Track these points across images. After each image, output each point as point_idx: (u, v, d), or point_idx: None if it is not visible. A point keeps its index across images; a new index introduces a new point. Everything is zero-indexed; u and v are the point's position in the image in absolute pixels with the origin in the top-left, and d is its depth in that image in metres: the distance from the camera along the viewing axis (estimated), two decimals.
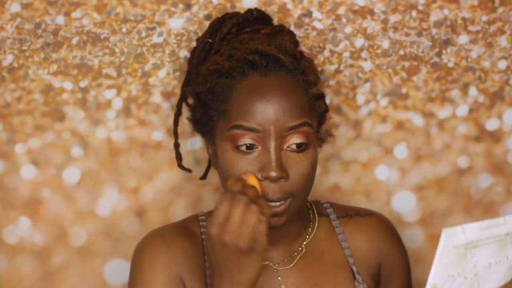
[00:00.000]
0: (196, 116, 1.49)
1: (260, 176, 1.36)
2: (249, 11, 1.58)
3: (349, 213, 1.53)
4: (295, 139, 1.38)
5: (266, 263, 1.46)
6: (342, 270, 1.47)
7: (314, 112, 1.42)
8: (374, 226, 1.53)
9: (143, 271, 1.43)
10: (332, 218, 1.51)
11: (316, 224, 1.50)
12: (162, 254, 1.44)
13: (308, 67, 1.43)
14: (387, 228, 1.55)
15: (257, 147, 1.37)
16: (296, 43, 1.57)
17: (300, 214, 1.46)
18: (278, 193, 1.37)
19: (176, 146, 1.60)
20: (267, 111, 1.37)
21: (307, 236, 1.48)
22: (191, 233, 1.48)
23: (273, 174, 1.35)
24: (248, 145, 1.37)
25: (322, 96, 1.45)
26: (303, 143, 1.38)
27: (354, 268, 1.47)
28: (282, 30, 1.56)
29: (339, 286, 1.45)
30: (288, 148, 1.38)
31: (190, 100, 1.55)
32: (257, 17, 1.58)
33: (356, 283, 1.45)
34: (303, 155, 1.38)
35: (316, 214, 1.51)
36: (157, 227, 1.53)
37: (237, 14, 1.58)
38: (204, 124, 1.46)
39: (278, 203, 1.37)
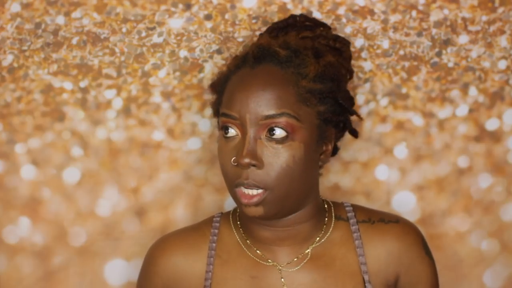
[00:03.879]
0: (212, 110, 1.54)
1: (232, 161, 1.39)
2: (292, 16, 1.60)
3: (372, 219, 1.50)
4: (271, 125, 1.38)
5: (272, 263, 1.45)
6: (352, 277, 1.44)
7: (304, 105, 1.40)
8: (395, 234, 1.48)
9: (142, 277, 1.53)
10: (351, 222, 1.48)
11: (331, 228, 1.47)
12: (160, 263, 1.50)
13: (307, 62, 1.43)
14: (410, 238, 1.50)
15: (237, 134, 1.40)
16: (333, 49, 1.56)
17: (310, 215, 1.44)
18: (249, 178, 1.37)
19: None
20: (245, 99, 1.39)
21: (317, 239, 1.47)
22: (200, 236, 1.51)
23: (242, 160, 1.36)
24: (230, 130, 1.40)
25: (314, 91, 1.42)
26: (281, 132, 1.37)
27: (365, 277, 1.44)
28: (325, 35, 1.56)
29: None
30: (267, 138, 1.38)
31: None
32: (301, 22, 1.59)
33: None
34: (282, 146, 1.38)
35: (333, 217, 1.49)
36: (171, 231, 1.57)
37: (282, 20, 1.61)
38: (217, 116, 1.51)
39: (251, 193, 1.38)
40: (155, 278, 1.50)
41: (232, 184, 1.40)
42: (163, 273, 1.50)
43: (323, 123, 1.43)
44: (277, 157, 1.38)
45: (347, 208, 1.50)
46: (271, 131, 1.38)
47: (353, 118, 1.56)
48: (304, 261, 1.45)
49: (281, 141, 1.38)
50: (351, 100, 1.52)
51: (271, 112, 1.37)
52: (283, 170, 1.38)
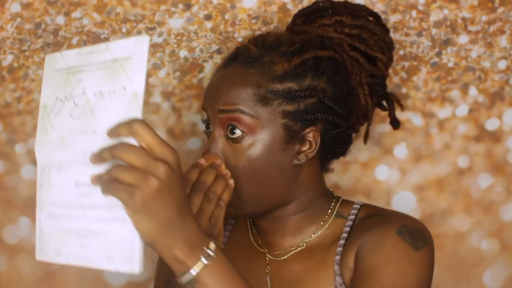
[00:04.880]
0: None
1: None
2: (316, 2, 1.56)
3: (370, 214, 1.43)
4: (227, 124, 1.37)
5: (263, 250, 1.46)
6: (326, 269, 1.41)
7: (264, 105, 1.37)
8: (373, 224, 1.39)
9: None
10: (349, 219, 1.44)
11: (328, 224, 1.46)
12: None
13: (277, 62, 1.39)
14: (386, 224, 1.38)
15: (211, 129, 1.41)
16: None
17: (299, 209, 1.43)
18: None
19: None
20: (208, 95, 1.40)
21: (313, 235, 1.46)
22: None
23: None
24: (206, 125, 1.42)
25: (278, 91, 1.38)
26: (235, 130, 1.36)
27: (336, 268, 1.39)
28: (341, 23, 1.51)
29: (317, 285, 1.41)
30: (225, 136, 1.38)
31: None
32: (325, 8, 1.55)
33: (333, 286, 1.39)
34: (236, 145, 1.37)
35: (333, 215, 1.46)
36: None
37: (306, 7, 1.57)
38: None
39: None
40: (162, 272, 1.53)
41: None
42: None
43: (293, 122, 1.39)
44: (232, 157, 1.37)
45: (354, 206, 1.46)
46: (228, 129, 1.37)
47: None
48: (291, 253, 1.45)
49: (237, 140, 1.36)
50: (346, 99, 1.45)
51: (225, 107, 1.37)
52: (238, 170, 1.37)
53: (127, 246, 1.10)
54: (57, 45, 1.69)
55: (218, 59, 1.70)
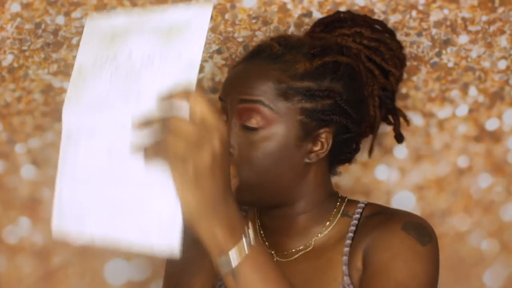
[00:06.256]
0: None
1: None
2: (337, 13, 1.62)
3: (376, 212, 1.43)
4: (247, 114, 1.38)
5: (270, 251, 1.46)
6: (333, 269, 1.41)
7: (284, 100, 1.39)
8: (378, 222, 1.40)
9: None
10: (354, 218, 1.44)
11: (334, 224, 1.46)
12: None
13: (299, 60, 1.42)
14: (390, 221, 1.39)
15: (226, 120, 1.41)
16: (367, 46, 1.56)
17: (305, 209, 1.43)
18: None
19: None
20: (229, 84, 1.42)
21: (319, 234, 1.46)
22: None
23: None
24: (223, 115, 1.41)
25: (298, 89, 1.40)
26: (254, 120, 1.37)
27: (344, 268, 1.39)
28: (361, 35, 1.57)
29: (325, 286, 1.40)
30: (241, 126, 1.38)
31: None
32: (345, 19, 1.61)
33: (341, 286, 1.39)
34: (253, 136, 1.38)
35: (339, 214, 1.47)
36: None
37: (327, 17, 1.62)
38: None
39: None
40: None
41: None
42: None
43: (309, 120, 1.41)
44: (246, 147, 1.38)
45: (359, 205, 1.46)
46: (246, 120, 1.38)
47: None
48: (299, 253, 1.45)
49: (253, 130, 1.38)
50: (359, 106, 1.48)
51: (247, 97, 1.38)
52: (249, 161, 1.38)
53: (166, 222, 1.03)
54: (57, 45, 1.69)
55: (218, 59, 1.70)
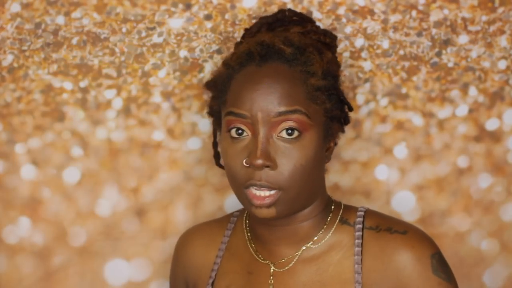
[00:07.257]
0: (208, 109, 1.51)
1: (245, 163, 1.36)
2: (281, 11, 1.58)
3: (380, 226, 1.42)
4: (284, 125, 1.36)
5: (266, 261, 1.44)
6: (343, 286, 1.39)
7: (313, 103, 1.38)
8: (398, 246, 1.38)
9: (171, 264, 1.60)
10: (357, 228, 1.42)
11: (332, 231, 1.44)
12: (181, 252, 1.57)
13: (312, 59, 1.42)
14: (414, 252, 1.38)
15: (247, 134, 1.37)
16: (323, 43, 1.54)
17: (311, 214, 1.42)
18: (262, 180, 1.35)
19: (215, 145, 1.57)
20: (256, 97, 1.36)
21: (315, 238, 1.43)
22: (219, 229, 1.54)
23: (256, 161, 1.33)
24: (238, 131, 1.37)
25: (322, 88, 1.40)
26: (293, 131, 1.35)
27: (357, 276, 1.38)
28: (315, 31, 1.55)
29: None
30: (279, 137, 1.36)
31: None
32: (289, 17, 1.57)
33: None
34: (294, 145, 1.36)
35: (337, 220, 1.45)
36: (198, 223, 1.62)
37: (270, 15, 1.59)
38: (216, 117, 1.48)
39: (264, 194, 1.36)
40: (177, 267, 1.57)
41: (242, 185, 1.37)
42: (183, 262, 1.55)
43: (329, 120, 1.41)
44: (290, 157, 1.35)
45: (358, 213, 1.44)
46: (282, 130, 1.36)
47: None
48: (294, 261, 1.43)
49: (293, 140, 1.36)
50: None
51: (283, 108, 1.35)
52: (296, 169, 1.35)
53: None
54: (57, 45, 1.69)
55: (218, 59, 1.70)
